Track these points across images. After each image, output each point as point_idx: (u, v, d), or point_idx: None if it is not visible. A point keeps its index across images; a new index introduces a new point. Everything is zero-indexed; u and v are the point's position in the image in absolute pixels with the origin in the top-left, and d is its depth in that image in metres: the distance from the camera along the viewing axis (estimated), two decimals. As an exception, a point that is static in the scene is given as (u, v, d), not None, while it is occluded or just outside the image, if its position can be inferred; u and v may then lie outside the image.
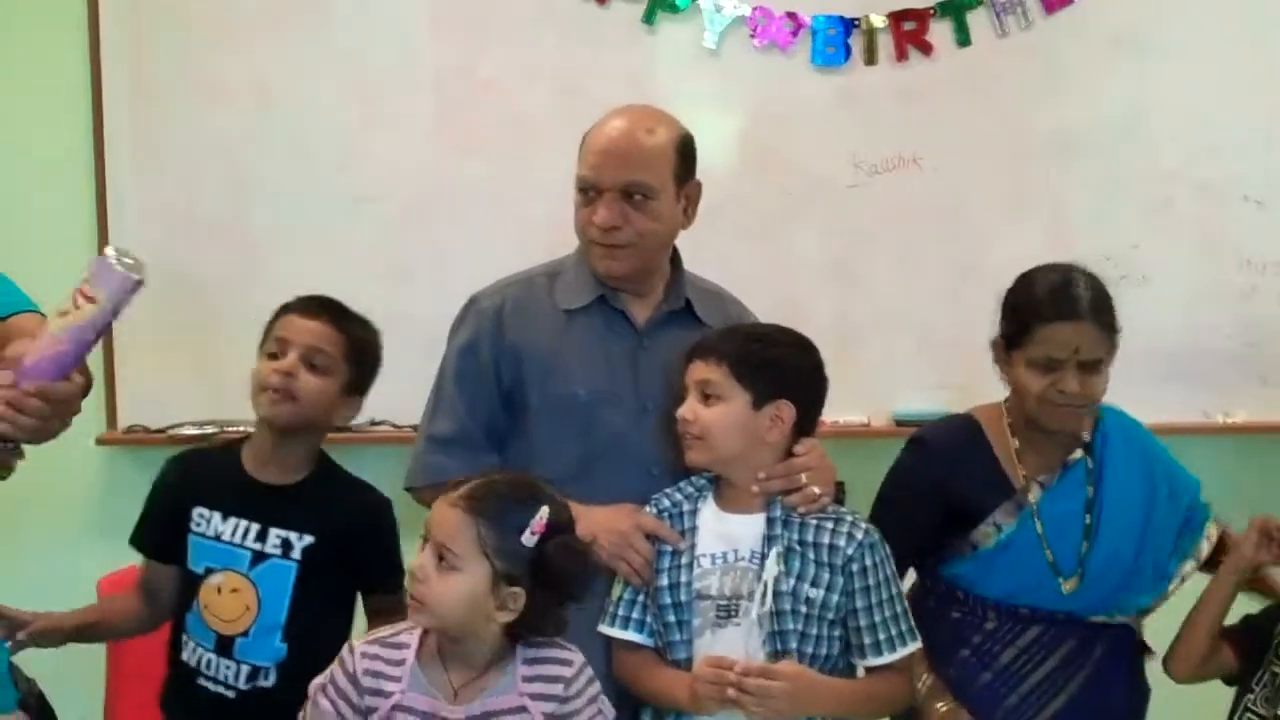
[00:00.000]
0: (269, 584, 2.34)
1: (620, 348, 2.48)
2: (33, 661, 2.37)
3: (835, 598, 2.25)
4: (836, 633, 2.27)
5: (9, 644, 2.29)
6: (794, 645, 2.23)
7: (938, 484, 2.49)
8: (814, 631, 2.24)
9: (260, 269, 3.50)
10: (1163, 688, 2.55)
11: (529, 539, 1.98)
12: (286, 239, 3.53)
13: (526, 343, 2.46)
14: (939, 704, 2.46)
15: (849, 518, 2.31)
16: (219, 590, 2.35)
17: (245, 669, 2.34)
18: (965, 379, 3.44)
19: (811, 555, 2.26)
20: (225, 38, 3.52)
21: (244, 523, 2.36)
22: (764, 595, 2.23)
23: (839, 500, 2.37)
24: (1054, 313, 2.37)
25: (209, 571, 2.36)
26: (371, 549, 2.40)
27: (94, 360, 3.33)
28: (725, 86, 3.55)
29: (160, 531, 2.44)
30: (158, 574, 2.46)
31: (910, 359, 3.60)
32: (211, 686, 2.36)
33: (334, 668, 2.04)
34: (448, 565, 1.97)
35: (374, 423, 3.53)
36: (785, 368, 2.31)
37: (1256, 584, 2.50)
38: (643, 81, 3.46)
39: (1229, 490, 2.55)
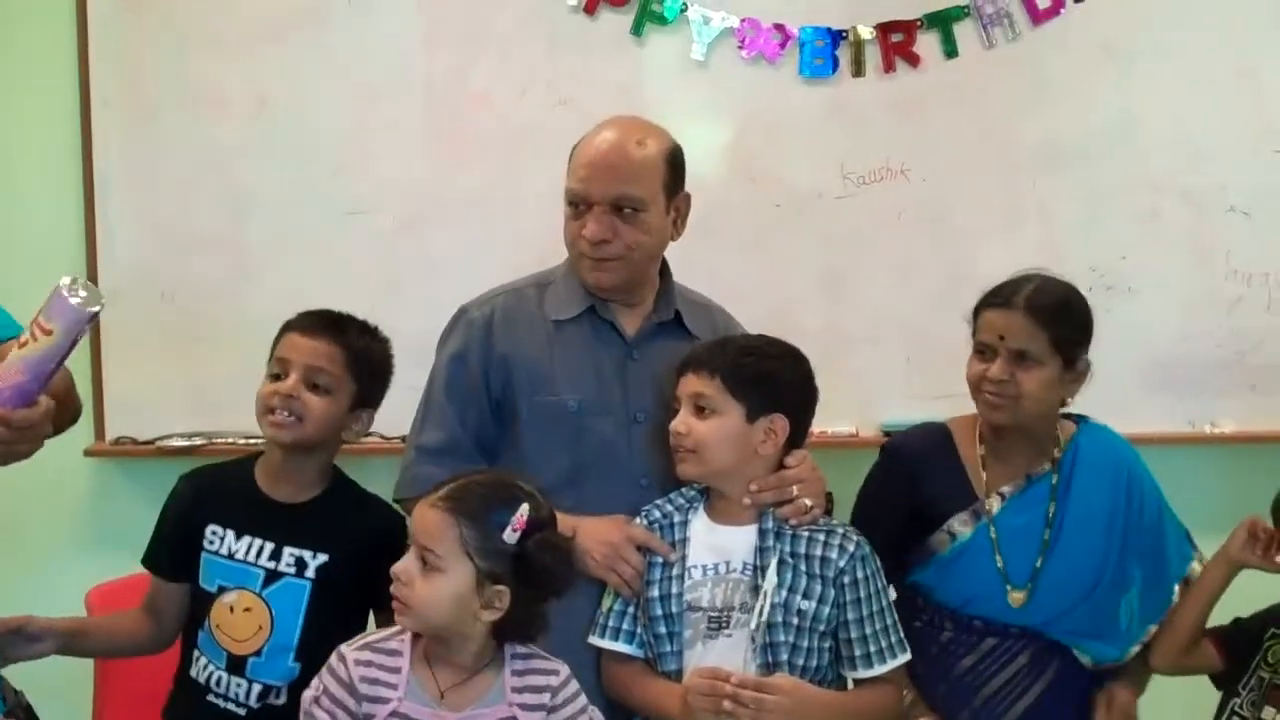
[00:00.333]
0: (282, 603, 2.32)
1: (610, 358, 2.48)
2: (20, 673, 2.36)
3: (827, 610, 2.26)
4: (827, 644, 2.27)
5: None
6: (785, 657, 2.23)
7: (903, 488, 2.51)
8: (805, 643, 2.25)
9: (250, 280, 3.50)
10: (1151, 688, 2.56)
11: (510, 536, 1.98)
12: (277, 250, 3.53)
13: (516, 353, 2.46)
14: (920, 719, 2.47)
15: (840, 530, 2.31)
16: (231, 609, 2.33)
17: (257, 687, 2.32)
18: (953, 390, 3.41)
19: (803, 567, 2.27)
20: (216, 50, 3.52)
21: (258, 541, 2.34)
22: (763, 607, 2.24)
23: (828, 511, 2.37)
24: (989, 300, 2.43)
25: (222, 590, 2.34)
26: (386, 568, 2.32)
27: (81, 371, 3.37)
28: (713, 98, 3.56)
29: (173, 550, 2.40)
30: (166, 593, 2.42)
31: (899, 369, 3.60)
32: (221, 704, 2.34)
33: (324, 678, 2.03)
34: (431, 567, 1.97)
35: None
36: (779, 381, 2.32)
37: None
38: (631, 93, 3.47)
39: (1216, 499, 2.57)
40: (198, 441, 3.44)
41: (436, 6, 3.53)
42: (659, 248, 2.49)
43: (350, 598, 2.34)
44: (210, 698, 2.34)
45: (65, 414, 2.28)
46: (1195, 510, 2.60)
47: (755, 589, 2.25)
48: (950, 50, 3.56)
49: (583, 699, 2.09)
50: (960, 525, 2.46)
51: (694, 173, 2.54)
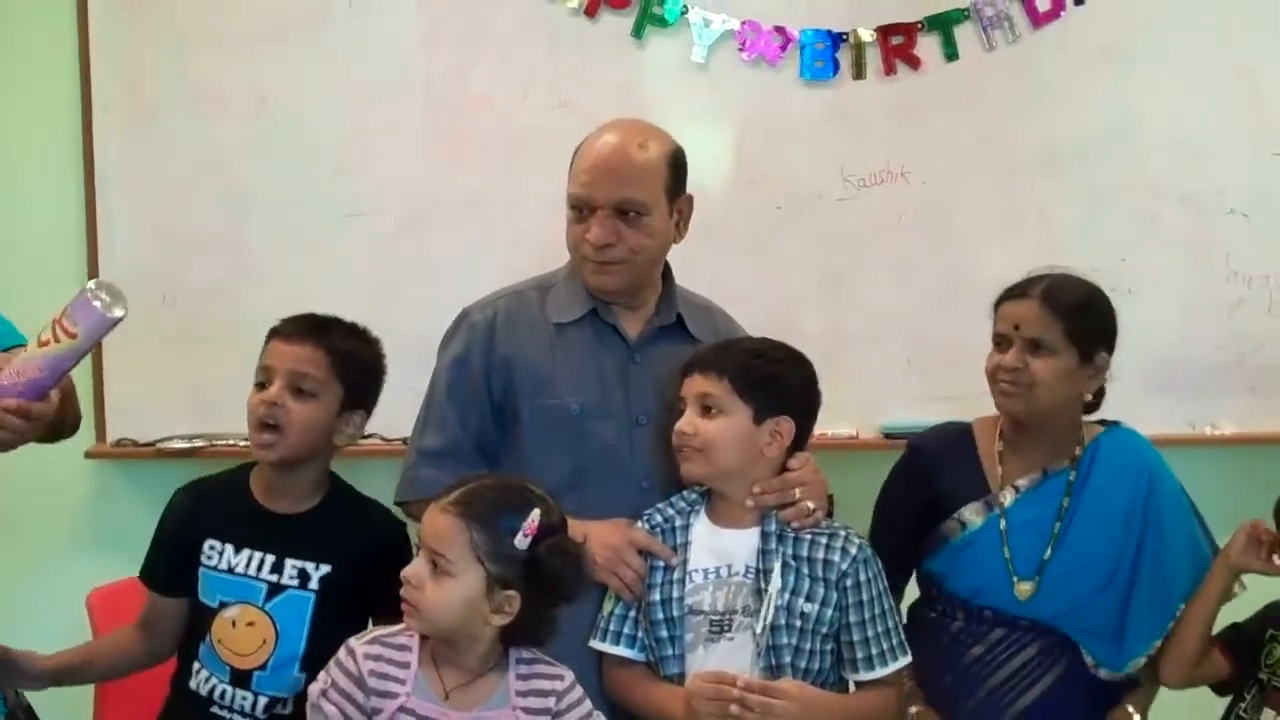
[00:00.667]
0: (286, 616, 2.30)
1: (611, 361, 2.48)
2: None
3: (829, 613, 2.26)
4: (829, 647, 2.28)
5: None
6: (788, 660, 2.23)
7: (921, 484, 2.54)
8: (808, 646, 2.25)
9: (251, 282, 3.49)
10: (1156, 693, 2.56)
11: (521, 541, 1.98)
12: (277, 251, 3.53)
13: (518, 356, 2.46)
14: (912, 708, 2.47)
15: (843, 533, 2.31)
16: (234, 624, 2.30)
17: (264, 700, 2.30)
18: (953, 391, 3.44)
19: (806, 570, 2.27)
20: (217, 50, 3.52)
21: (258, 554, 2.31)
22: (767, 611, 2.24)
23: (829, 513, 2.37)
24: (1008, 293, 2.47)
25: (223, 605, 2.31)
26: (388, 575, 2.28)
27: (83, 374, 3.37)
28: (714, 100, 3.56)
29: (171, 566, 2.38)
30: (164, 609, 2.41)
31: (899, 372, 3.60)
32: (227, 715, 2.32)
33: (333, 671, 2.03)
34: (441, 571, 1.97)
35: (364, 436, 3.53)
36: (785, 384, 2.33)
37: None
38: (632, 95, 3.47)
39: (1216, 501, 2.56)
40: (198, 443, 3.44)
41: (437, 8, 3.53)
42: (662, 251, 2.49)
43: (353, 605, 2.31)
44: (215, 709, 2.32)
45: (65, 420, 2.28)
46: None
47: (758, 592, 2.25)
48: (951, 53, 3.56)
49: (588, 704, 2.09)
50: (972, 515, 2.48)
51: (694, 175, 2.54)
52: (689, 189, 2.51)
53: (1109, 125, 3.57)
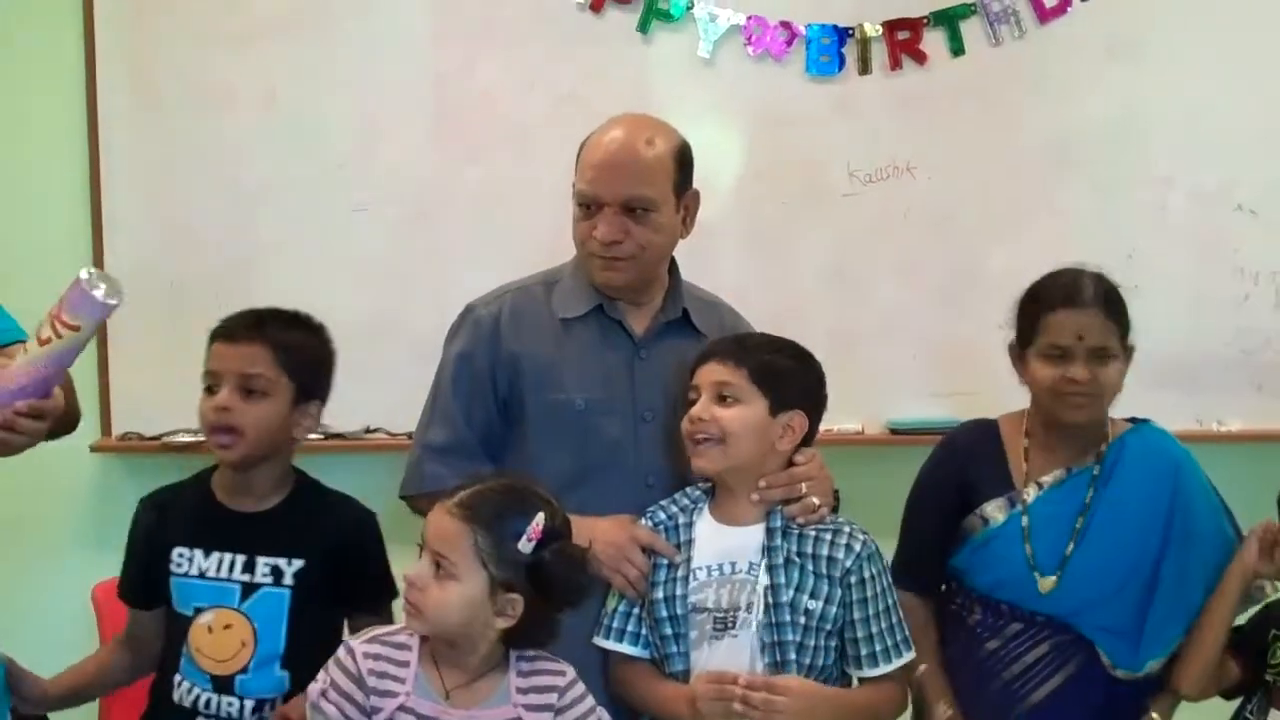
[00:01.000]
0: (264, 614, 2.26)
1: (617, 357, 2.48)
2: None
3: (834, 609, 2.26)
4: (833, 643, 2.27)
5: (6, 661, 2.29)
6: (793, 656, 2.23)
7: (950, 477, 2.55)
8: (812, 642, 2.25)
9: (256, 276, 3.49)
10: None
11: (525, 546, 1.97)
12: (285, 246, 3.53)
13: (523, 351, 2.46)
14: (945, 710, 2.48)
15: (847, 528, 2.31)
16: (210, 629, 2.26)
17: (250, 703, 2.25)
18: (960, 387, 3.46)
19: (810, 567, 2.26)
20: (225, 45, 3.52)
21: (228, 556, 2.27)
22: (756, 606, 2.24)
23: (834, 509, 2.37)
24: (1059, 300, 2.42)
25: (198, 611, 2.27)
26: (362, 565, 2.32)
27: (88, 367, 3.37)
28: (720, 95, 3.56)
29: (144, 580, 2.34)
30: (144, 622, 2.37)
31: (905, 367, 3.60)
32: None
33: (331, 671, 2.02)
34: (445, 573, 1.97)
35: (369, 430, 3.54)
36: (800, 380, 2.33)
37: None
38: (638, 90, 3.46)
39: (1224, 498, 2.55)
40: (203, 438, 3.43)
41: (444, 2, 3.54)
42: (669, 246, 2.49)
43: (330, 598, 2.29)
44: (201, 719, 2.28)
45: (67, 414, 2.28)
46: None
47: (763, 588, 2.25)
48: (957, 48, 3.55)
49: (590, 700, 2.09)
50: (994, 511, 2.48)
51: (700, 170, 2.54)
52: (695, 184, 2.51)
53: (1116, 120, 3.57)
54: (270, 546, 2.27)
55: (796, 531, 2.29)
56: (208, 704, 2.27)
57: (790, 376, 2.31)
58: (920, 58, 3.55)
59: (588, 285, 2.48)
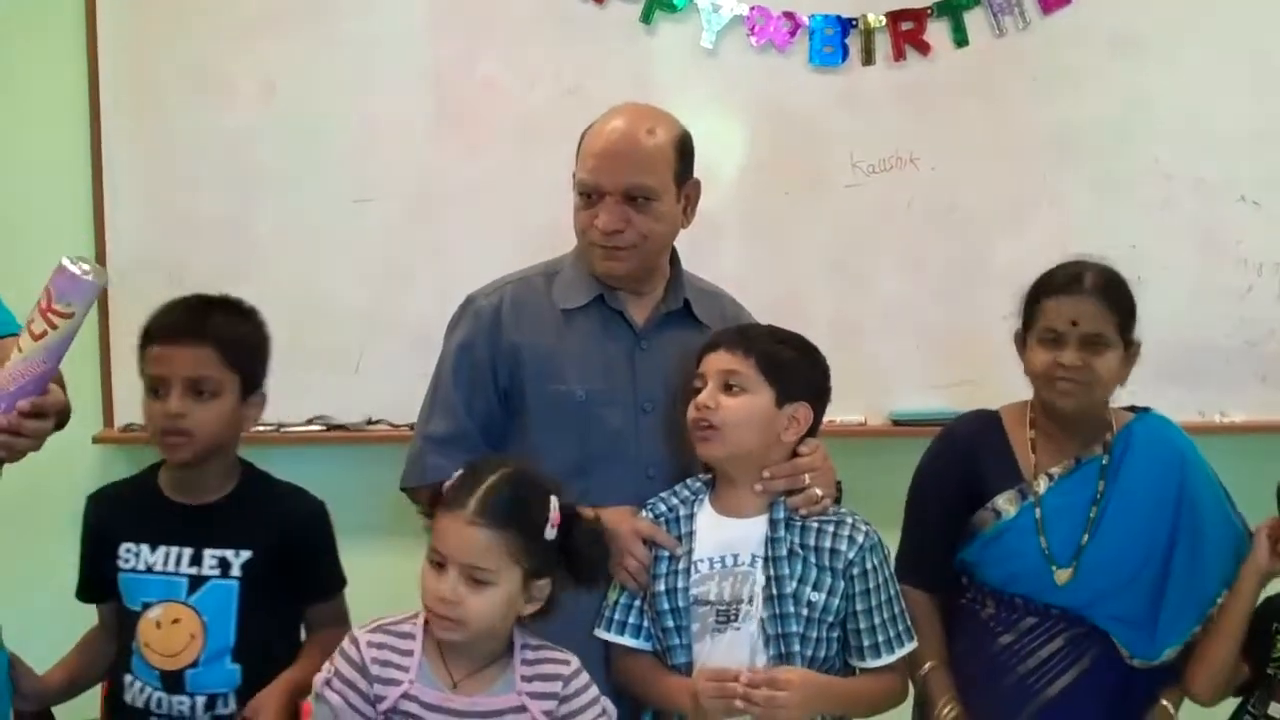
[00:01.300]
0: (212, 607, 2.23)
1: (618, 348, 2.47)
2: (38, 666, 2.37)
3: (836, 601, 2.25)
4: (835, 634, 2.27)
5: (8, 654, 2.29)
6: (796, 648, 2.23)
7: (952, 469, 2.54)
8: (814, 634, 2.24)
9: (258, 267, 3.49)
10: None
11: (551, 533, 2.01)
12: (285, 237, 3.53)
13: (524, 342, 2.45)
14: (946, 708, 2.47)
15: (849, 520, 2.31)
16: (158, 624, 2.23)
17: (201, 700, 2.23)
18: (962, 378, 3.46)
19: (813, 559, 2.26)
20: (224, 35, 3.52)
21: (175, 549, 2.25)
22: (755, 599, 2.23)
23: (837, 500, 2.37)
24: (1056, 287, 2.43)
25: (146, 606, 2.24)
26: (311, 556, 2.31)
27: (89, 359, 3.37)
28: (723, 86, 3.56)
29: (97, 577, 2.32)
30: (110, 615, 2.36)
31: (907, 359, 3.60)
32: None
33: (336, 660, 2.03)
34: (481, 582, 1.97)
35: (371, 421, 3.54)
36: (807, 371, 2.33)
37: None
38: (641, 81, 3.47)
39: (1227, 489, 2.55)
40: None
41: (446, -7, 3.53)
42: (671, 236, 2.48)
43: (280, 590, 2.27)
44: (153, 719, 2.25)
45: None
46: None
47: (766, 580, 2.25)
48: (961, 39, 3.55)
49: (594, 690, 2.09)
50: (1005, 504, 2.48)
51: (703, 161, 2.53)
52: (698, 175, 2.50)
53: (1119, 112, 3.57)
54: (217, 539, 2.25)
55: (799, 523, 2.28)
56: (159, 704, 2.24)
57: (797, 368, 2.31)
58: (924, 48, 3.55)
59: (588, 276, 2.47)
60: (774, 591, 2.24)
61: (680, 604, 2.27)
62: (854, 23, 3.54)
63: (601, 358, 2.46)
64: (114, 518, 2.32)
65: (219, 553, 2.24)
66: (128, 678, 2.27)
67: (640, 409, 2.45)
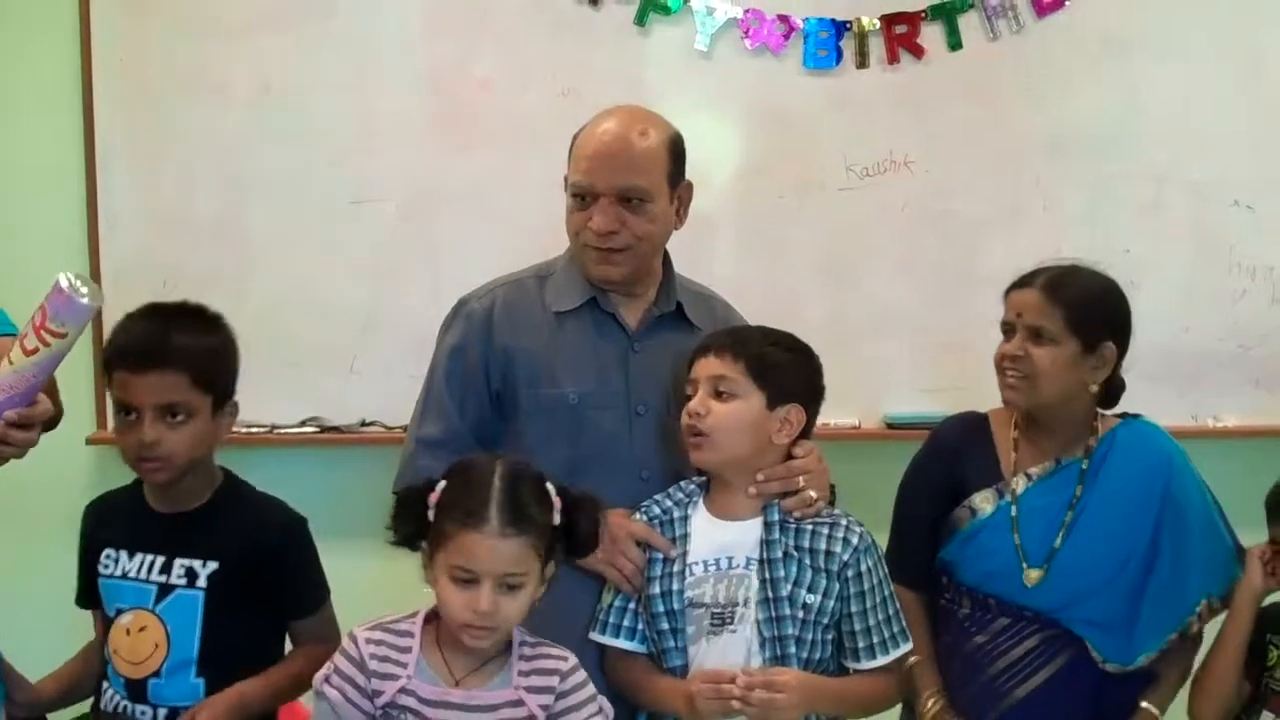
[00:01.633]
0: (177, 617, 2.20)
1: (611, 351, 2.47)
2: (32, 669, 2.37)
3: (831, 603, 2.25)
4: (830, 636, 2.27)
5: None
6: (792, 650, 2.23)
7: (941, 470, 2.55)
8: (810, 636, 2.24)
9: (254, 268, 3.50)
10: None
11: (559, 518, 2.05)
12: (280, 239, 3.53)
13: (516, 345, 2.45)
14: (930, 700, 2.48)
15: (844, 521, 2.31)
16: (128, 631, 2.21)
17: (163, 711, 2.19)
18: (956, 381, 3.46)
19: (808, 561, 2.26)
20: (220, 35, 3.52)
21: (149, 556, 2.23)
22: (749, 601, 2.23)
23: (830, 503, 2.37)
24: (1014, 283, 2.47)
25: (119, 613, 2.23)
26: (283, 571, 2.25)
27: (83, 360, 3.36)
28: (717, 89, 3.56)
29: (88, 584, 2.31)
30: (102, 622, 2.32)
31: (902, 361, 3.60)
32: None
33: (335, 657, 2.05)
34: (514, 587, 2.00)
35: (364, 423, 3.54)
36: (799, 373, 2.33)
37: None
38: (635, 83, 3.47)
39: (1219, 494, 2.55)
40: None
41: (440, -6, 3.53)
42: (664, 238, 2.48)
43: (247, 604, 2.22)
44: None
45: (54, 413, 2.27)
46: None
47: (761, 583, 2.25)
48: (954, 42, 3.55)
49: (591, 687, 2.10)
50: (982, 502, 2.49)
51: (697, 164, 2.53)
52: (692, 177, 2.50)
53: (1113, 115, 3.57)
54: (187, 548, 2.22)
55: (794, 526, 2.28)
56: (125, 710, 2.22)
57: (788, 369, 2.31)
58: (918, 52, 3.55)
59: (581, 278, 2.47)
60: (769, 594, 2.24)
61: (675, 606, 2.27)
62: (848, 26, 3.55)
63: (594, 360, 2.46)
64: (100, 524, 2.32)
65: (187, 562, 2.21)
66: (104, 684, 2.27)
67: (633, 412, 2.45)
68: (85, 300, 2.02)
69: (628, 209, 2.39)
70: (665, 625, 2.28)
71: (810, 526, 2.29)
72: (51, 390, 2.20)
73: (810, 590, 2.25)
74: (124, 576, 2.24)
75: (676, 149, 2.46)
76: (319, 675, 2.05)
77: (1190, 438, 3.42)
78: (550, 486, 2.06)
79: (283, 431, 3.50)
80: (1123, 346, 2.46)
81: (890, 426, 3.56)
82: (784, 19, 3.54)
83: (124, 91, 3.53)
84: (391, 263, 3.54)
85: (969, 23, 3.55)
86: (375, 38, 3.53)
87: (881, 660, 2.29)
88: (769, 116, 3.58)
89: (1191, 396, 3.58)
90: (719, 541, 2.29)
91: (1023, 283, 2.45)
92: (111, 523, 2.31)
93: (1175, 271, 3.57)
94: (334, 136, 3.54)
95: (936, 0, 3.54)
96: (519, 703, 2.02)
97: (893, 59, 3.55)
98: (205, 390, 2.20)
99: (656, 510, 2.35)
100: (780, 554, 2.26)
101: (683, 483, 2.38)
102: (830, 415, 3.31)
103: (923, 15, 3.54)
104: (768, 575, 2.25)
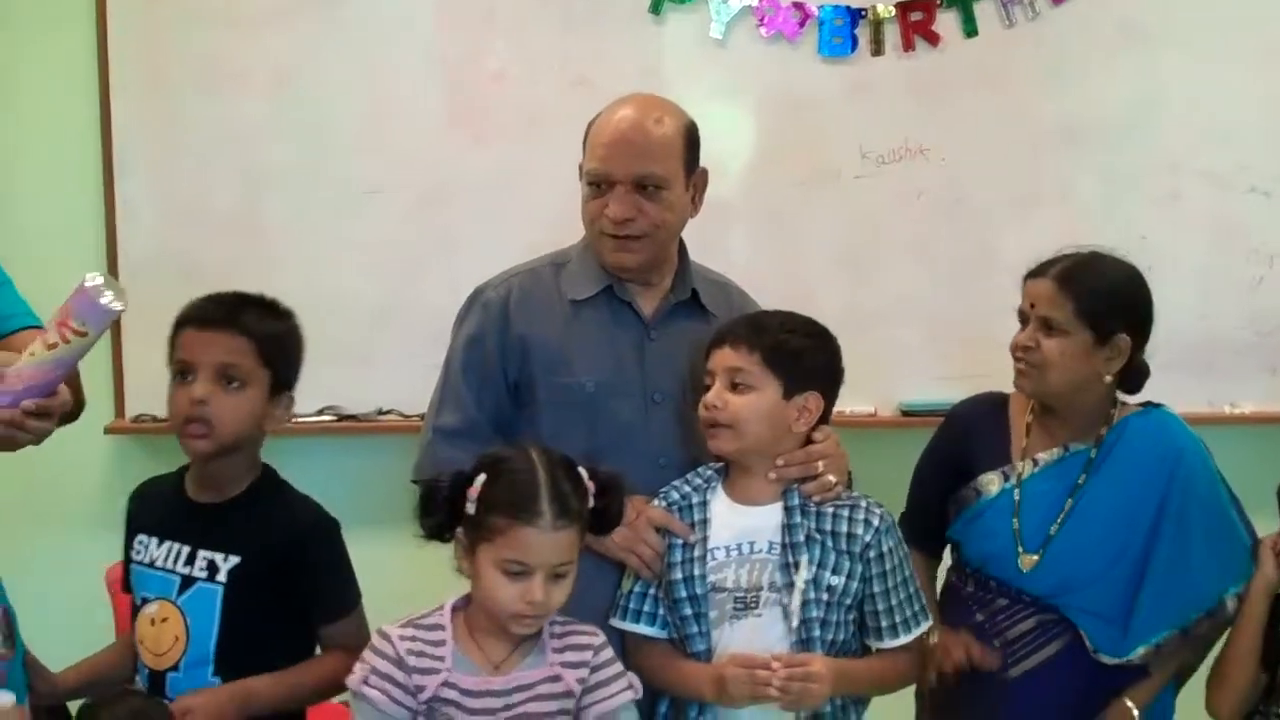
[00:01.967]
0: (197, 611, 2.16)
1: (627, 339, 2.47)
2: (51, 656, 2.38)
3: (854, 584, 2.26)
4: (852, 616, 2.28)
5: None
6: (817, 633, 2.23)
7: (954, 447, 2.57)
8: (834, 618, 2.25)
9: (269, 258, 3.50)
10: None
11: (593, 502, 2.07)
12: (296, 230, 3.54)
13: (533, 334, 2.46)
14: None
15: (864, 503, 2.31)
16: (152, 621, 2.18)
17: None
18: (972, 369, 3.43)
19: (830, 544, 2.26)
20: (235, 28, 3.53)
21: (176, 546, 2.19)
22: (797, 587, 2.23)
23: (848, 487, 2.37)
24: (1031, 272, 2.47)
25: (145, 601, 2.21)
26: (309, 571, 2.19)
27: (102, 350, 3.38)
28: (732, 77, 3.56)
29: (126, 569, 2.29)
30: None
31: (917, 349, 3.60)
32: None
33: (369, 658, 2.04)
34: (563, 574, 2.03)
35: (382, 412, 3.55)
36: (815, 359, 2.32)
37: None
38: (650, 72, 3.46)
39: (1236, 480, 2.54)
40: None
41: (455, -15, 3.53)
42: (680, 225, 2.48)
43: (269, 602, 2.17)
44: None
45: (72, 407, 2.27)
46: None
47: (785, 567, 2.24)
48: (970, 29, 3.55)
49: (619, 664, 2.13)
50: (988, 483, 2.49)
51: (713, 152, 2.53)
52: (708, 165, 2.50)
53: (1129, 102, 3.56)
54: (212, 540, 2.18)
55: (814, 509, 2.29)
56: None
57: (804, 356, 2.30)
58: (933, 39, 3.55)
59: (597, 266, 2.48)
60: (793, 578, 2.24)
61: (698, 591, 2.27)
62: (863, 13, 3.54)
63: (611, 349, 2.46)
64: (140, 510, 2.31)
65: (209, 554, 2.17)
66: (136, 674, 2.25)
67: (650, 400, 2.45)
68: (108, 303, 2.03)
69: (644, 196, 2.39)
70: (688, 610, 2.28)
71: (831, 509, 2.29)
72: (73, 382, 2.20)
73: (834, 572, 2.25)
74: (151, 564, 2.21)
75: (692, 137, 2.46)
76: (354, 678, 2.03)
77: (1206, 424, 3.42)
78: (583, 471, 2.07)
79: (300, 421, 3.49)
80: (1142, 336, 2.44)
81: (906, 414, 3.56)
82: (799, 6, 3.54)
83: (140, 84, 3.54)
84: (407, 253, 3.55)
85: (985, 9, 3.55)
86: (389, 29, 3.54)
87: (904, 639, 2.30)
88: (784, 104, 3.57)
89: (1208, 383, 3.57)
90: (740, 526, 2.29)
91: (1039, 271, 2.45)
92: (150, 509, 2.29)
93: (1192, 259, 3.56)
94: (349, 128, 3.54)
95: (952, -13, 3.54)
96: (557, 678, 2.05)
97: (908, 46, 3.55)
98: (265, 365, 2.18)
99: (675, 496, 2.36)
100: (802, 537, 2.26)
101: (700, 468, 2.39)
102: (846, 403, 3.30)
103: (938, 2, 3.54)
104: (791, 559, 2.25)
